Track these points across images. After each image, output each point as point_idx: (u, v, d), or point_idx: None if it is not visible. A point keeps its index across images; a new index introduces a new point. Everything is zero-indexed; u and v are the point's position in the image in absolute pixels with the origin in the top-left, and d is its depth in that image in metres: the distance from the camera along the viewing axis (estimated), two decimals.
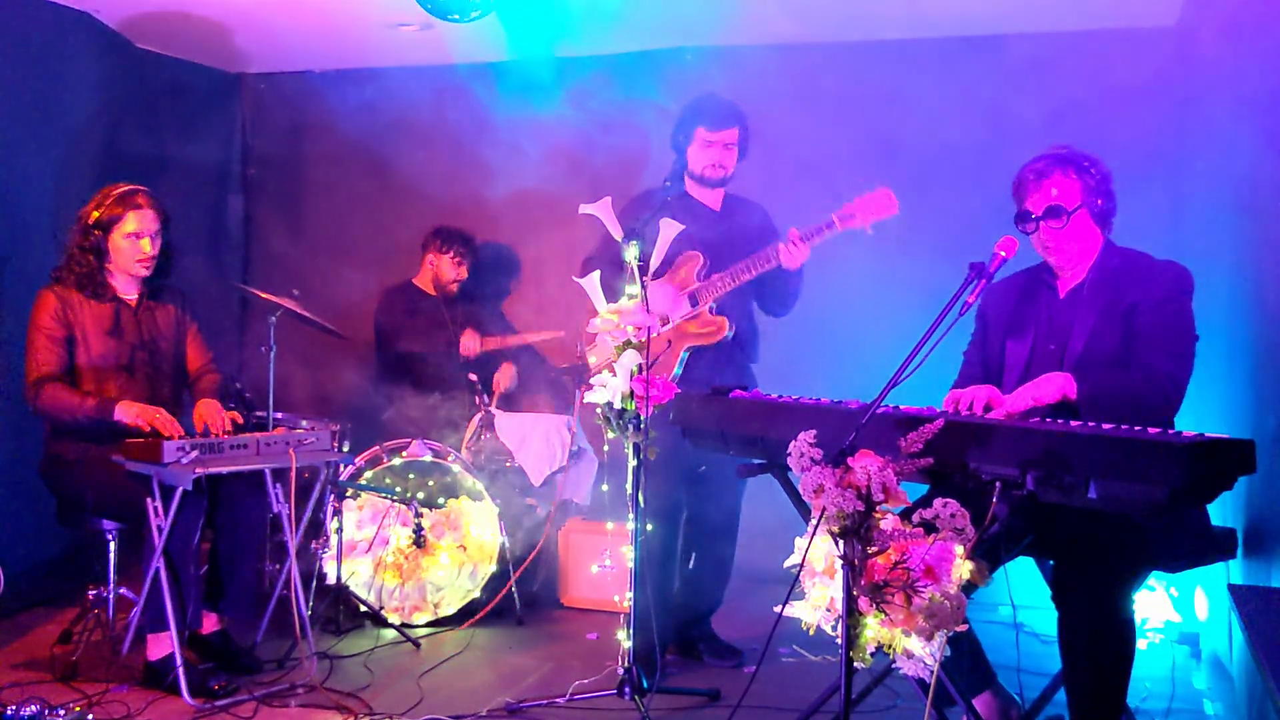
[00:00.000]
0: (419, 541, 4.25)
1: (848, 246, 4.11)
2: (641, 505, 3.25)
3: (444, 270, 5.10)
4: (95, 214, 3.65)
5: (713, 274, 3.73)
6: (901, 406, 2.74)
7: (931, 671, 2.26)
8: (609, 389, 3.18)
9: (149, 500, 3.34)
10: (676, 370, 3.69)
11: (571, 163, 5.15)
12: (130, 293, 3.77)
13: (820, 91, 4.97)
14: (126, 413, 3.51)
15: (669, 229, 3.24)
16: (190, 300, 3.96)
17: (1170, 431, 2.27)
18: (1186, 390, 2.76)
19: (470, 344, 5.01)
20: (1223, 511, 3.52)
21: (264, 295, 4.13)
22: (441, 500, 4.34)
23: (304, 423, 4.22)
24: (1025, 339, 2.98)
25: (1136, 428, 2.31)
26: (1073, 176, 2.89)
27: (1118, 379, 2.74)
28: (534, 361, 5.38)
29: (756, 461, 3.05)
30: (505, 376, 4.97)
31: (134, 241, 3.67)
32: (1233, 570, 3.29)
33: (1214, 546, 2.79)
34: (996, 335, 3.07)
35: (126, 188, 3.71)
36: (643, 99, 4.34)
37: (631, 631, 3.27)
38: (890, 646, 2.27)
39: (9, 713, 3.03)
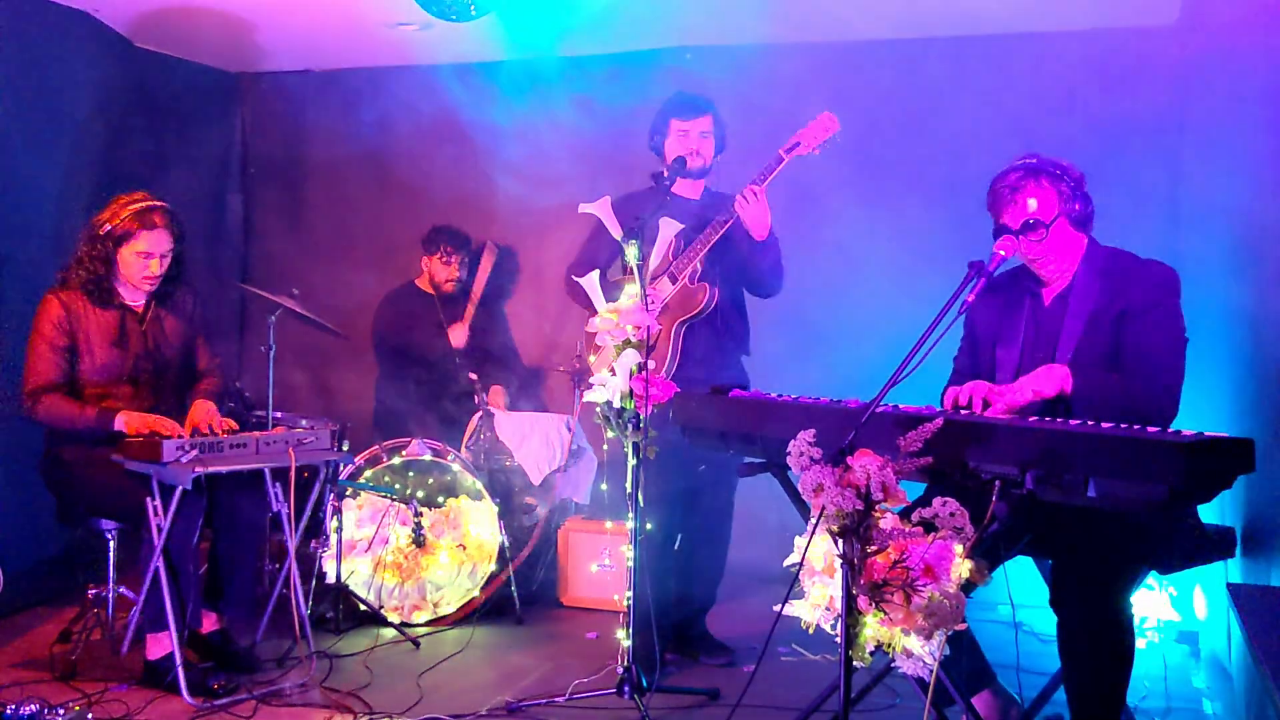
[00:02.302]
0: (418, 540, 4.25)
1: (847, 243, 4.12)
2: (641, 504, 3.25)
3: (436, 271, 5.12)
4: (108, 226, 3.57)
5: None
6: (901, 406, 2.74)
7: (931, 670, 2.26)
8: (608, 388, 3.19)
9: (148, 500, 3.33)
10: (670, 361, 3.70)
11: (572, 162, 5.14)
12: (137, 300, 3.72)
13: (820, 91, 4.96)
14: (127, 424, 3.49)
15: (668, 228, 3.26)
16: (200, 301, 3.91)
17: (1170, 430, 2.26)
18: (1180, 397, 2.75)
19: (458, 335, 5.03)
20: (1221, 510, 3.52)
21: (264, 294, 4.13)
22: (441, 499, 4.34)
23: (303, 422, 4.22)
24: (1014, 347, 2.96)
25: (1136, 426, 2.30)
26: (1046, 186, 2.83)
27: (1115, 384, 2.73)
28: (526, 371, 5.39)
29: (756, 460, 3.05)
30: (498, 398, 4.98)
31: (143, 260, 3.60)
32: (1231, 569, 3.30)
33: (1212, 546, 2.79)
34: (985, 343, 3.06)
35: (145, 204, 3.61)
36: (643, 98, 4.34)
37: (631, 631, 3.27)
38: (889, 645, 2.27)
39: (8, 712, 3.02)
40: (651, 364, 3.29)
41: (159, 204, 3.64)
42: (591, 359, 3.77)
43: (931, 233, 4.50)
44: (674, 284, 3.73)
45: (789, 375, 4.07)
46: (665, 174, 3.63)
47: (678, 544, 3.79)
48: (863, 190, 3.70)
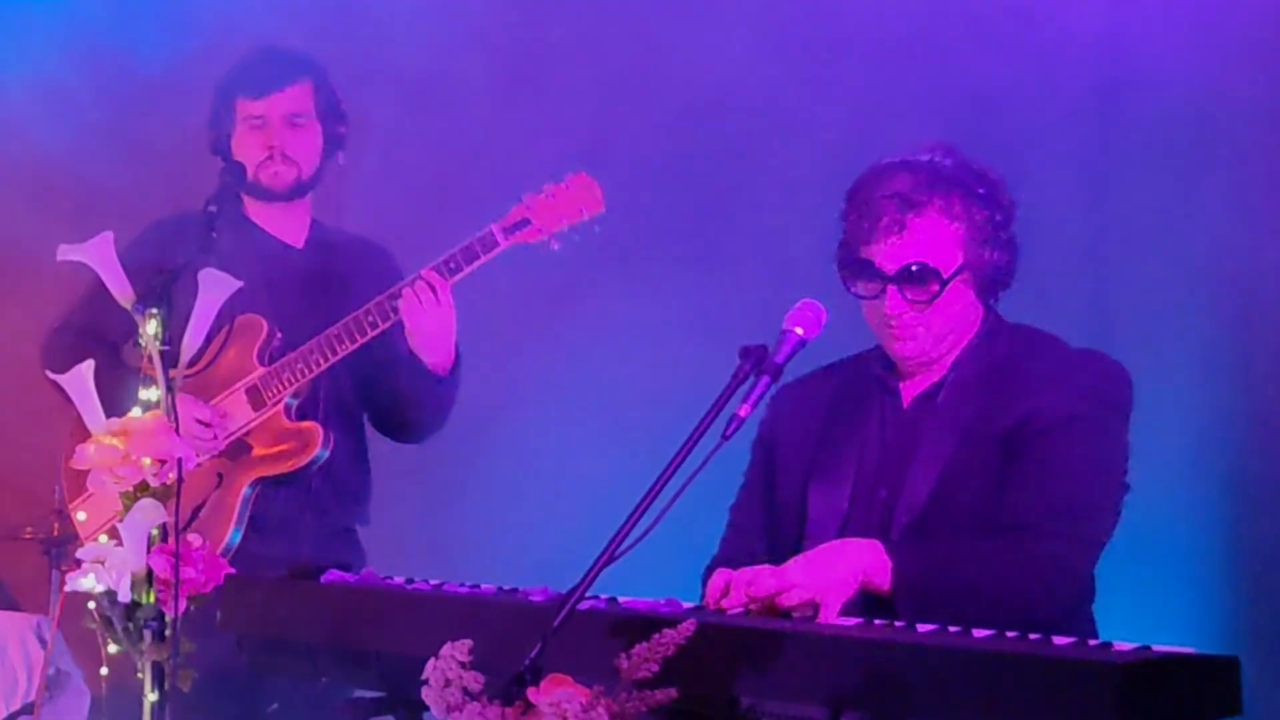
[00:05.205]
0: None
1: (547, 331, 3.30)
2: None
3: None
4: None
5: (288, 352, 2.75)
6: (623, 599, 1.94)
7: None
8: (109, 568, 2.06)
9: None
10: (232, 533, 2.72)
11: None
12: None
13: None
14: None
15: (213, 287, 2.05)
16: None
17: (1092, 642, 1.52)
18: (1089, 577, 1.95)
19: None
20: None
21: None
22: None
23: None
24: (841, 481, 2.06)
25: (1032, 636, 1.56)
26: (957, 213, 1.94)
27: (965, 560, 1.89)
28: None
29: (369, 695, 2.22)
30: None
31: None
32: None
33: None
34: (792, 476, 2.15)
35: None
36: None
37: None
38: None
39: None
40: (196, 538, 2.12)
41: None
42: (80, 515, 2.72)
43: (692, 306, 3.52)
44: (257, 410, 2.76)
45: (432, 547, 3.22)
46: (211, 208, 2.52)
47: None
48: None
